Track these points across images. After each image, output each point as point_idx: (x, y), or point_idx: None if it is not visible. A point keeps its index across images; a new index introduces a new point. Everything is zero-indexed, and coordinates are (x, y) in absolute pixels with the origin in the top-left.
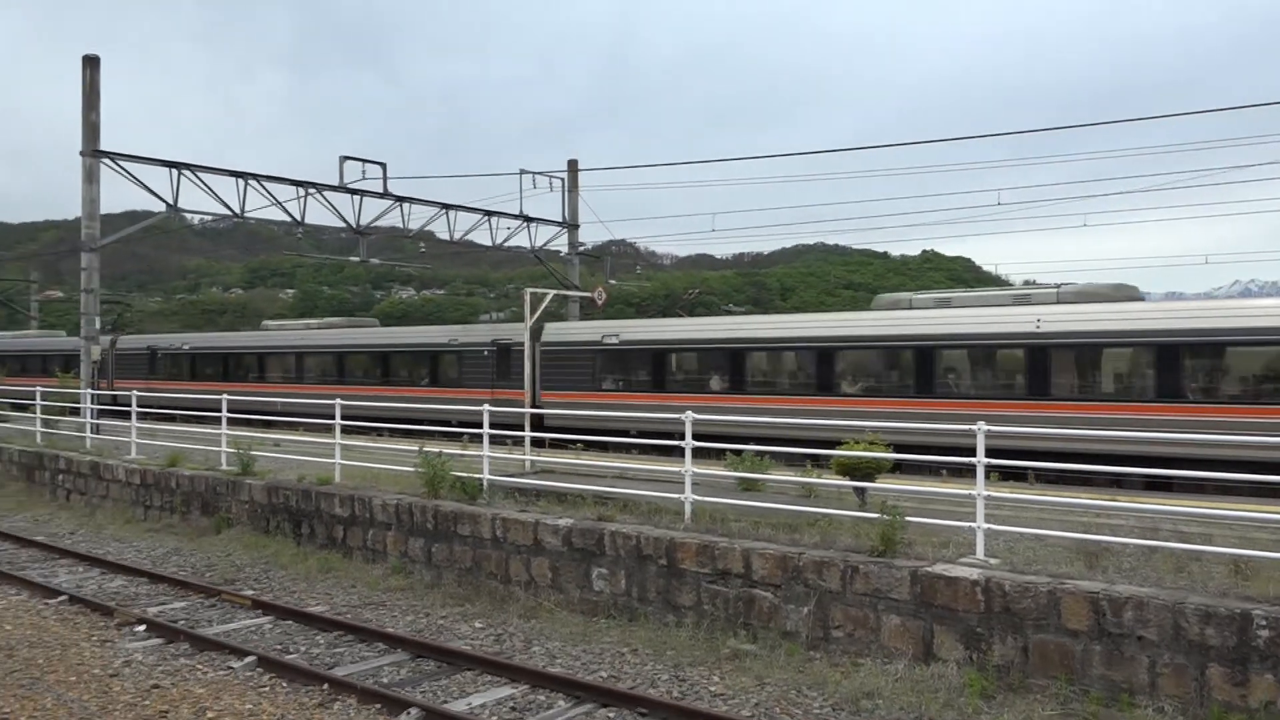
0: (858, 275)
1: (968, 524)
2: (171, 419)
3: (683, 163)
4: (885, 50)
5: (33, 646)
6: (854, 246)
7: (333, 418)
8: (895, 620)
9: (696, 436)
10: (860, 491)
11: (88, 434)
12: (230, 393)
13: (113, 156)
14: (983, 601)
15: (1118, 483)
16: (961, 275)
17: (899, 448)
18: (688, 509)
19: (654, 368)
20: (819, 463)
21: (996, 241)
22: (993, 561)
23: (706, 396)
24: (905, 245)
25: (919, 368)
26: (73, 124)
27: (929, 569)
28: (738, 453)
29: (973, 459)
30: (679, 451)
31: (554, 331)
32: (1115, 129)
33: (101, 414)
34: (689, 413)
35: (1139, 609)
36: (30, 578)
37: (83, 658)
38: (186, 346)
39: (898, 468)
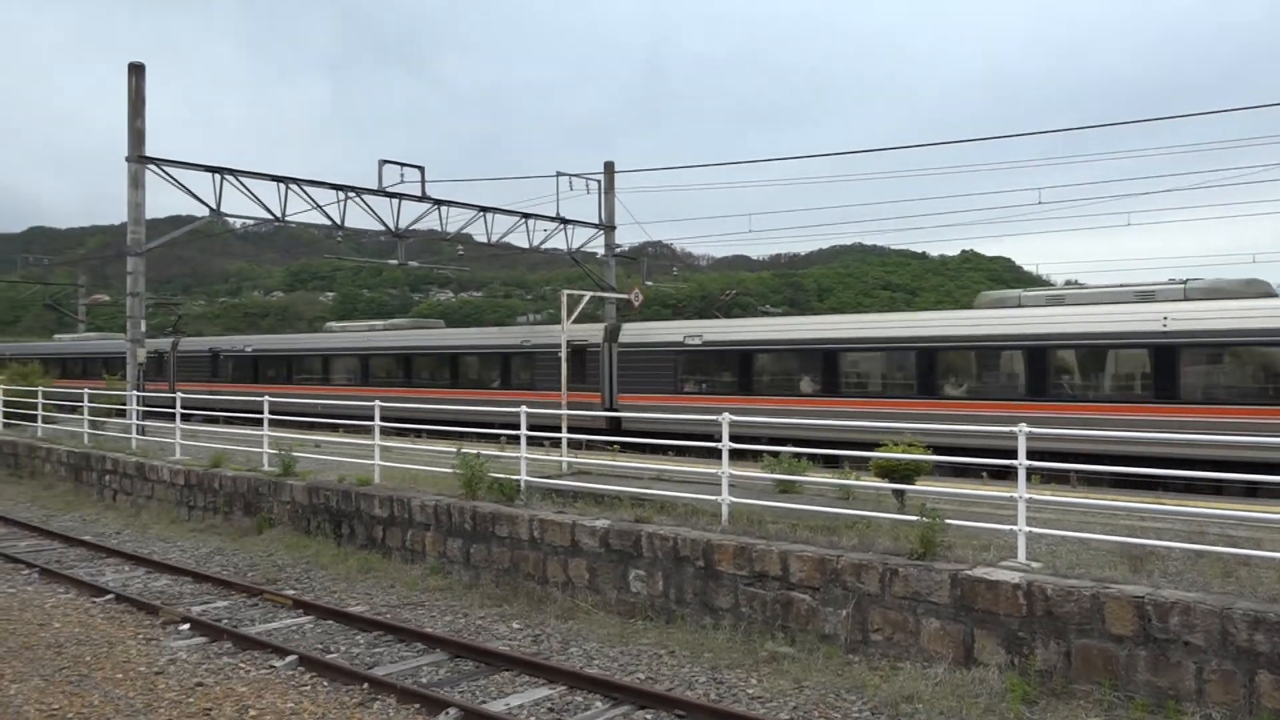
0: (896, 276)
1: (1009, 527)
2: (215, 420)
3: (719, 164)
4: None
5: (80, 644)
6: (892, 247)
7: (402, 422)
8: (935, 624)
9: (793, 442)
10: (899, 494)
11: (133, 435)
12: (294, 396)
13: (157, 162)
14: (1024, 605)
15: (1219, 488)
16: (1002, 275)
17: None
18: (725, 511)
19: (740, 369)
20: (857, 465)
21: (1037, 241)
22: (1035, 565)
23: (797, 399)
24: (944, 245)
25: (1030, 369)
26: (118, 130)
27: (969, 572)
28: (797, 456)
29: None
30: (718, 453)
31: (632, 332)
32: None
33: (164, 419)
34: (726, 415)
35: (1185, 614)
36: (78, 576)
37: (129, 655)
38: (249, 349)
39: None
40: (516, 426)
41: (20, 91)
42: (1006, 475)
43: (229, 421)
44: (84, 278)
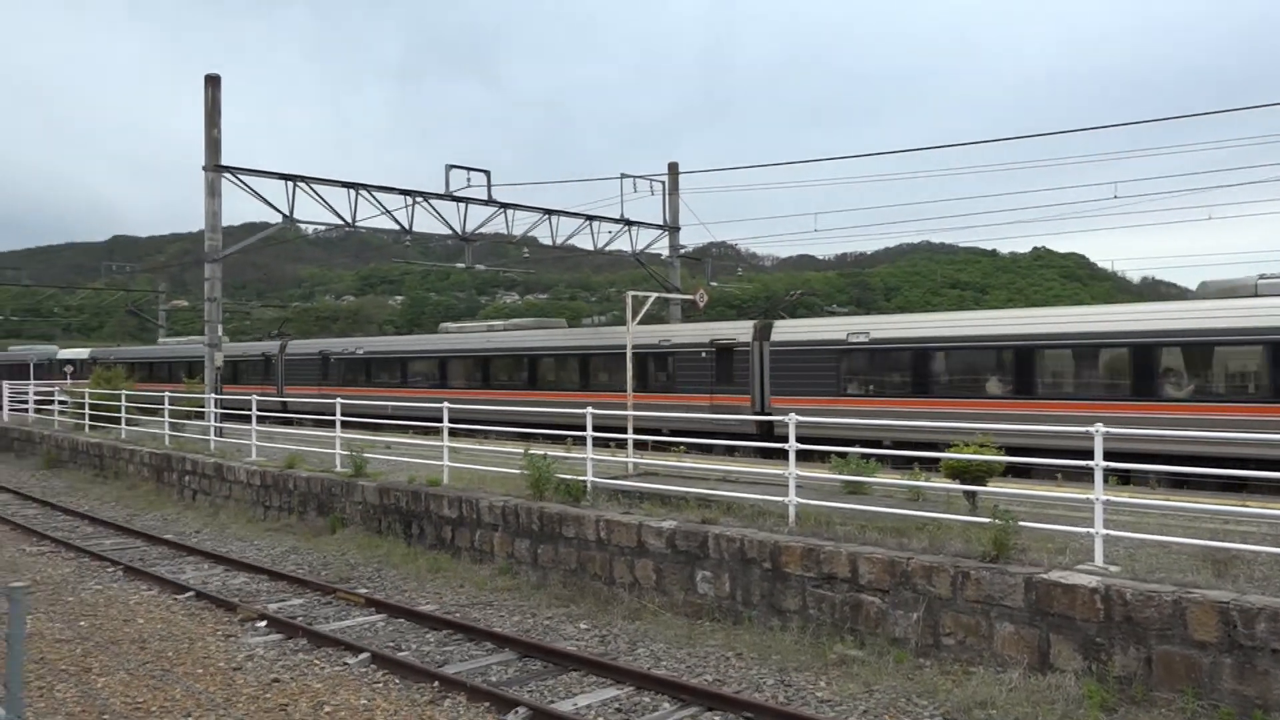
0: (964, 274)
1: (1085, 529)
2: (299, 423)
3: (784, 163)
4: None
5: (163, 640)
6: (960, 244)
7: (522, 427)
8: (1009, 628)
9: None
10: (971, 495)
11: (211, 437)
12: (409, 400)
13: (233, 170)
14: (1102, 610)
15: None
16: (1075, 272)
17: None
18: (792, 512)
19: (914, 369)
20: (927, 466)
21: (1112, 237)
22: (1113, 569)
23: (984, 402)
24: (1014, 242)
25: (1275, 366)
26: (195, 139)
27: (1044, 576)
28: (865, 458)
29: None
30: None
31: (787, 330)
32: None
33: (273, 423)
34: (793, 415)
35: (1273, 620)
36: (160, 574)
37: (208, 651)
38: (361, 351)
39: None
40: (656, 431)
41: (104, 104)
42: (1081, 477)
43: (346, 426)
44: (164, 284)
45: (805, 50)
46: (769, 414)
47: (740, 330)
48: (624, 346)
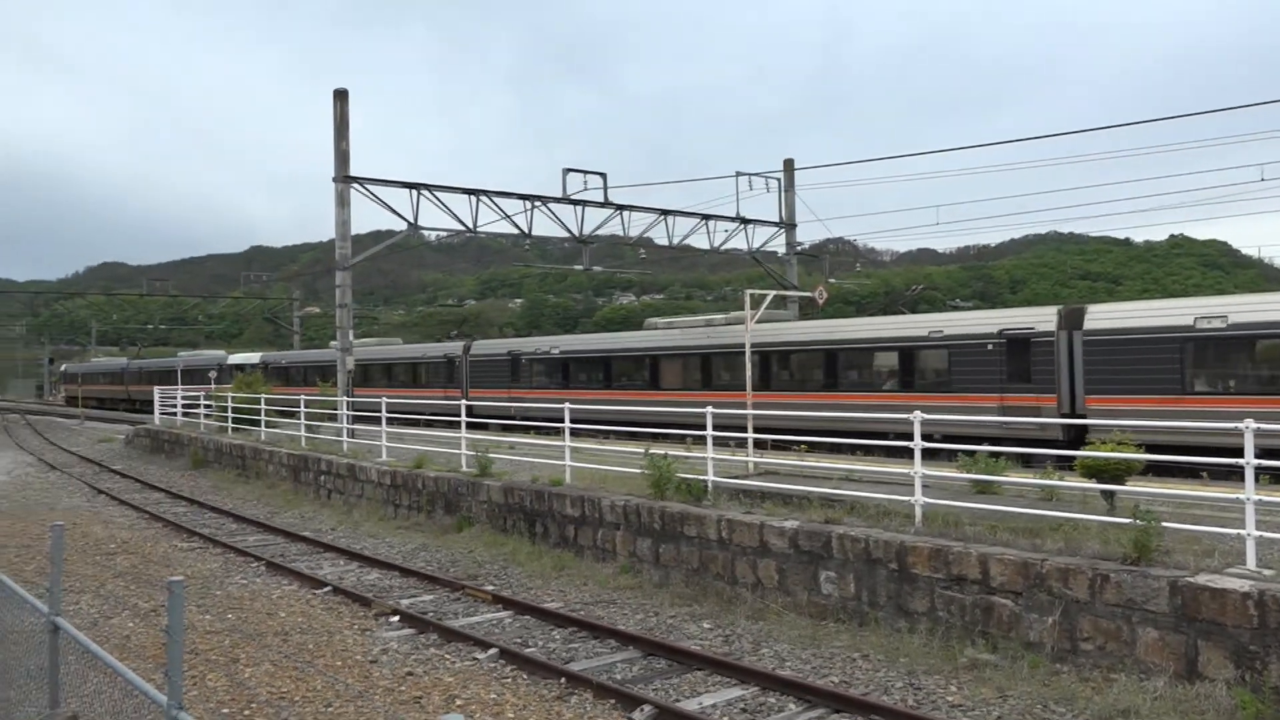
0: (1096, 265)
1: (1235, 531)
2: (416, 423)
3: (903, 155)
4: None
5: (303, 633)
6: (1091, 234)
7: (761, 432)
8: (1152, 634)
9: None
10: (1108, 495)
11: (344, 438)
12: (613, 402)
13: (360, 181)
14: (1256, 616)
15: None
16: (1216, 261)
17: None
18: (918, 512)
19: None
20: (1061, 465)
21: (1258, 222)
22: (1267, 572)
23: None
24: (1149, 230)
25: None
26: (324, 152)
27: (1191, 579)
28: (994, 456)
29: None
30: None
31: (1105, 316)
32: None
33: (459, 427)
34: (917, 413)
35: None
36: (299, 570)
37: (346, 644)
38: (557, 350)
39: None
40: (928, 437)
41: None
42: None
43: (538, 431)
44: (298, 292)
45: (925, 39)
46: (1083, 416)
47: (1039, 317)
48: (881, 341)
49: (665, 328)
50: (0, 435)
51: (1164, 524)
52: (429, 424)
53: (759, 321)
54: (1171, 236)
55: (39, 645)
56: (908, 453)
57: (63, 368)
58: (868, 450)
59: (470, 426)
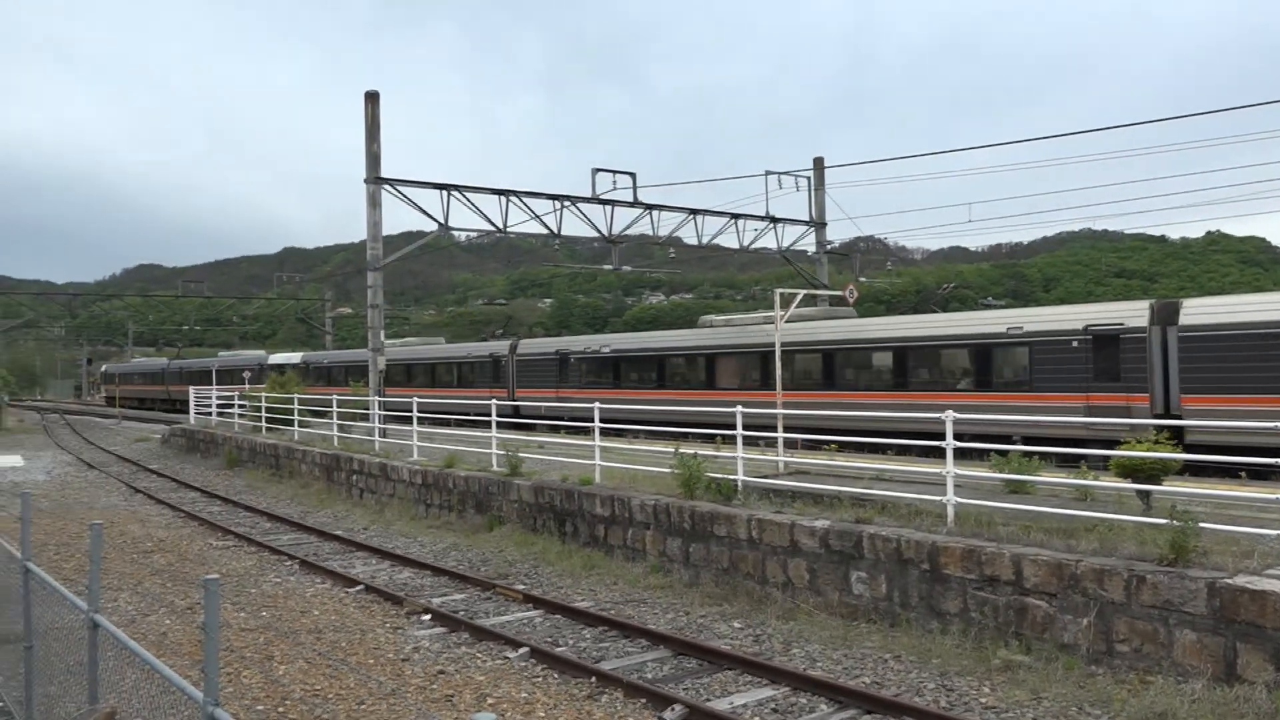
0: (1130, 262)
1: (1275, 531)
2: (447, 423)
3: (934, 153)
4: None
5: (336, 630)
6: (1126, 231)
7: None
8: (1190, 636)
9: None
10: (1144, 495)
11: (376, 438)
12: (668, 403)
13: (391, 182)
14: None
15: None
16: (1254, 257)
17: None
18: (950, 512)
19: None
20: (1095, 464)
21: None
22: None
23: None
24: (1185, 227)
25: None
26: (355, 154)
27: (1229, 581)
28: (1027, 455)
29: None
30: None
31: (1206, 310)
32: None
33: (505, 428)
34: (949, 412)
35: None
36: (332, 568)
37: (378, 642)
38: (607, 349)
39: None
40: (1005, 439)
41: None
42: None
43: (582, 432)
44: (329, 292)
45: (957, 35)
46: (1177, 417)
47: (1129, 312)
48: (953, 338)
49: (724, 324)
50: (40, 435)
51: (1201, 524)
52: (470, 424)
53: (822, 319)
54: (1209, 233)
55: (78, 642)
56: (940, 452)
57: (103, 368)
58: (901, 451)
59: (516, 428)
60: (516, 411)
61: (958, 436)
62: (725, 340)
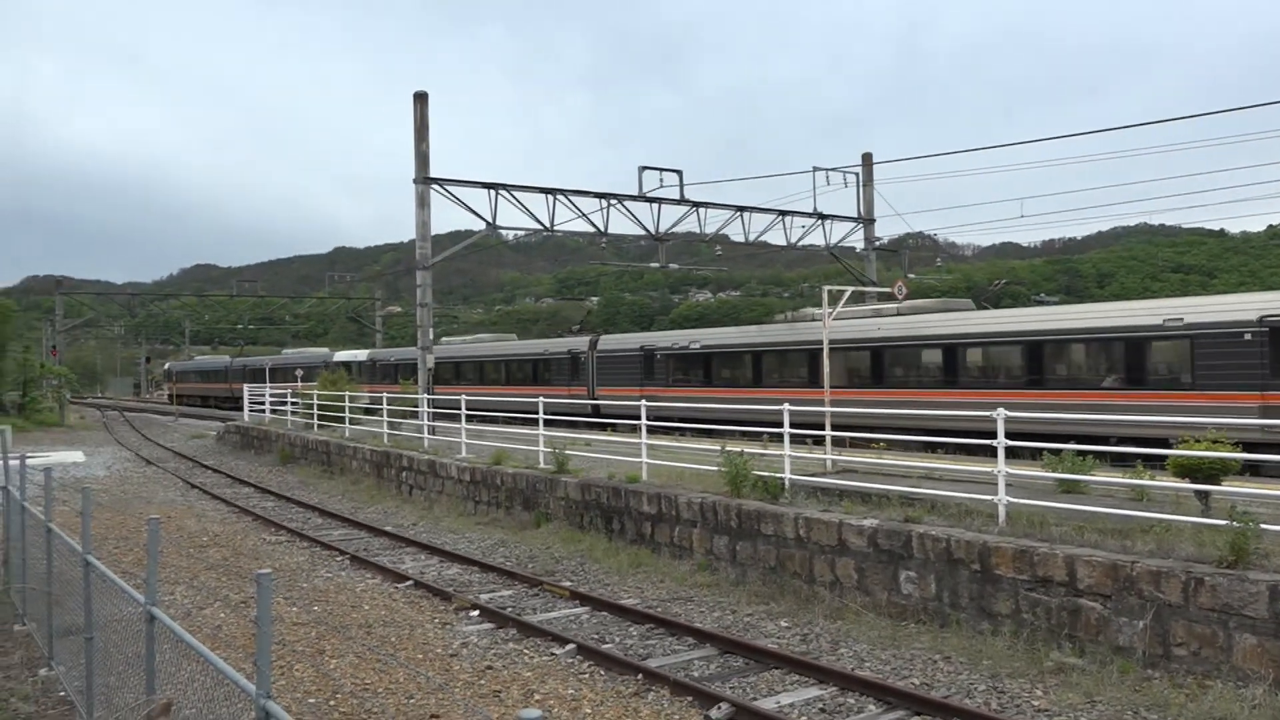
0: (1188, 257)
1: None
2: (493, 420)
3: (986, 147)
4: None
5: (386, 625)
6: (1183, 225)
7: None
8: (1250, 640)
9: None
10: (1203, 496)
11: (425, 435)
12: (772, 401)
13: (440, 182)
14: None
15: None
16: None
17: None
18: (1002, 511)
19: None
20: (1151, 464)
21: None
22: None
23: None
24: (1246, 221)
25: None
26: (404, 155)
27: None
28: (1055, 452)
29: None
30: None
31: None
32: None
33: (584, 428)
34: (1000, 410)
35: None
36: (382, 564)
37: (427, 638)
38: (697, 344)
39: None
40: (1162, 443)
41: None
42: None
43: (680, 433)
44: (379, 291)
45: (1010, 27)
46: None
47: None
48: (1117, 330)
49: (812, 320)
50: (101, 431)
51: (1263, 525)
52: (552, 425)
53: (932, 313)
54: (1270, 226)
55: (136, 634)
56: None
57: (166, 366)
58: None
59: (597, 428)
60: (596, 411)
61: (1104, 440)
62: (845, 335)
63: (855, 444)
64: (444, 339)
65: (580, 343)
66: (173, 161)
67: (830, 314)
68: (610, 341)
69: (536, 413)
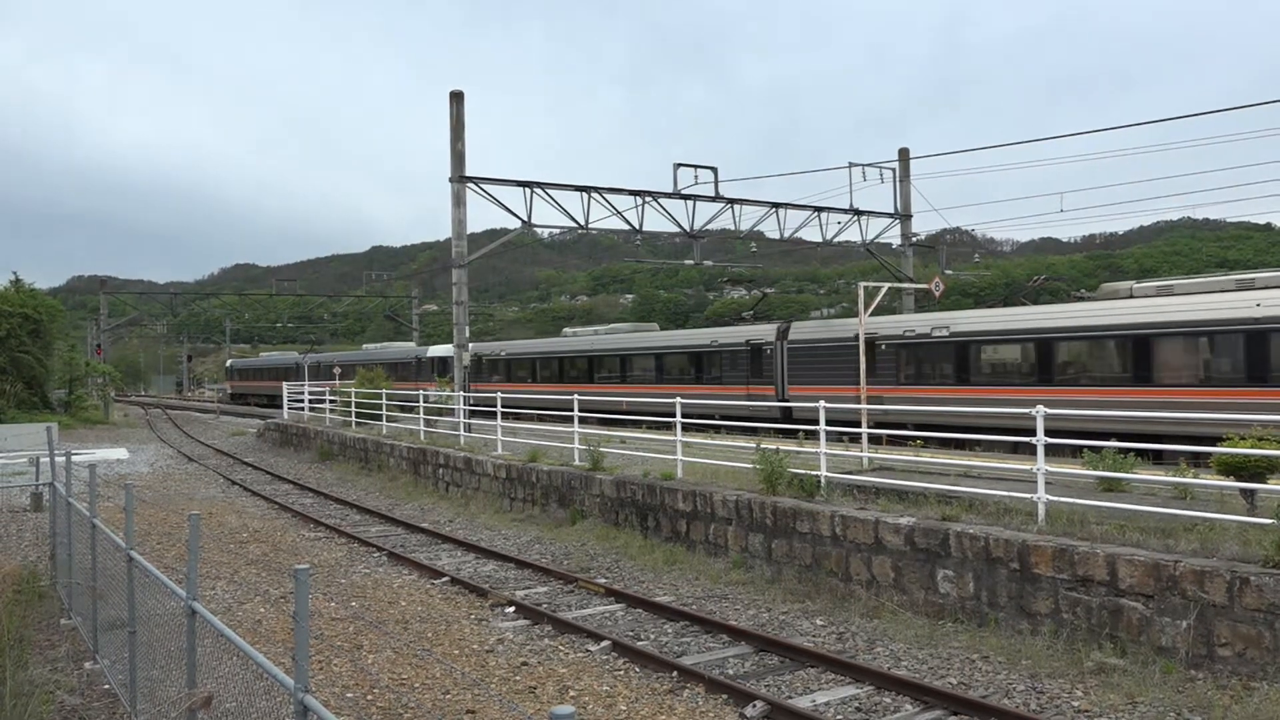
0: (1233, 252)
1: None
2: (539, 418)
3: (1024, 141)
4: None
5: (423, 621)
6: (1228, 220)
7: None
8: None
9: None
10: (1249, 494)
11: (461, 432)
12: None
13: (476, 181)
14: None
15: None
16: None
17: None
18: (1041, 510)
19: None
20: (1197, 462)
21: None
22: None
23: None
24: None
25: None
26: (441, 154)
27: None
28: (1096, 450)
29: None
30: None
31: None
32: None
33: (774, 435)
34: (1040, 407)
35: None
36: (419, 560)
37: (463, 634)
38: (945, 331)
39: None
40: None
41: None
42: None
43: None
44: (416, 290)
45: (1050, 19)
46: None
47: None
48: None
49: (1155, 293)
50: (144, 429)
51: None
52: (724, 430)
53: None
54: None
55: (178, 628)
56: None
57: (228, 362)
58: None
59: (787, 434)
60: (788, 415)
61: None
62: (1156, 318)
63: (891, 441)
64: (565, 330)
65: (764, 331)
66: (214, 161)
67: (867, 312)
68: (805, 330)
69: (710, 417)
